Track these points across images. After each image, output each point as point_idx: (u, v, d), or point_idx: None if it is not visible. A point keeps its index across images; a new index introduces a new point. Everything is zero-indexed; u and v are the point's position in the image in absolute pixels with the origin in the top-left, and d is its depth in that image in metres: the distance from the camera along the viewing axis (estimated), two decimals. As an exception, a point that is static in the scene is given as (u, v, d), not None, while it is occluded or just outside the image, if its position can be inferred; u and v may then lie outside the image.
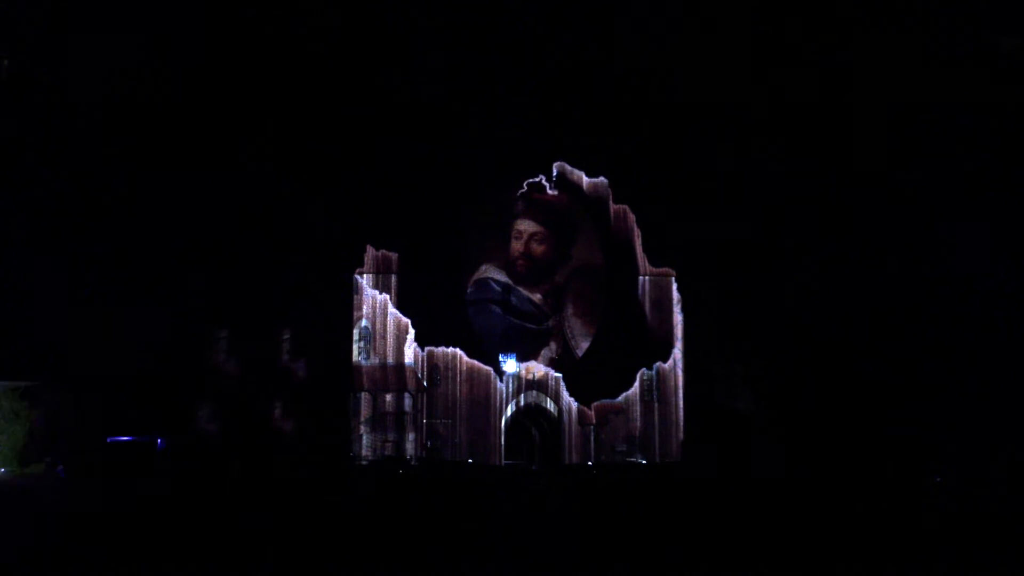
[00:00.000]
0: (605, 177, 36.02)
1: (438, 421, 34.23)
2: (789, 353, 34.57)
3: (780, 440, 33.60)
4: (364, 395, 34.65)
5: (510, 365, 35.06)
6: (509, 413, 35.69)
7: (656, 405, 34.90)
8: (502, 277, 35.65)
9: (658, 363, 35.30)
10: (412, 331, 35.04)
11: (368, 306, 35.20)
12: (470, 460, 33.50)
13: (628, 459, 32.79)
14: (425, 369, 34.80)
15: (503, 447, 35.03)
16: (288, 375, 34.70)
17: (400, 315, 35.08)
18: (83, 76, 34.13)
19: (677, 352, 35.29)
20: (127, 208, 35.70)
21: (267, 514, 21.35)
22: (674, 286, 35.63)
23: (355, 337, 35.31)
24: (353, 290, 35.29)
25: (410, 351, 34.96)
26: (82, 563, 14.68)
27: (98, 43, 34.11)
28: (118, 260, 35.15)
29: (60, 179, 33.80)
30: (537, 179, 35.84)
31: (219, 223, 35.35)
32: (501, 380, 34.85)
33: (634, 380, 35.12)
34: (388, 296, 35.16)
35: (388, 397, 34.49)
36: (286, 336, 35.32)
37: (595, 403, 34.71)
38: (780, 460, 33.02)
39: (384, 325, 35.15)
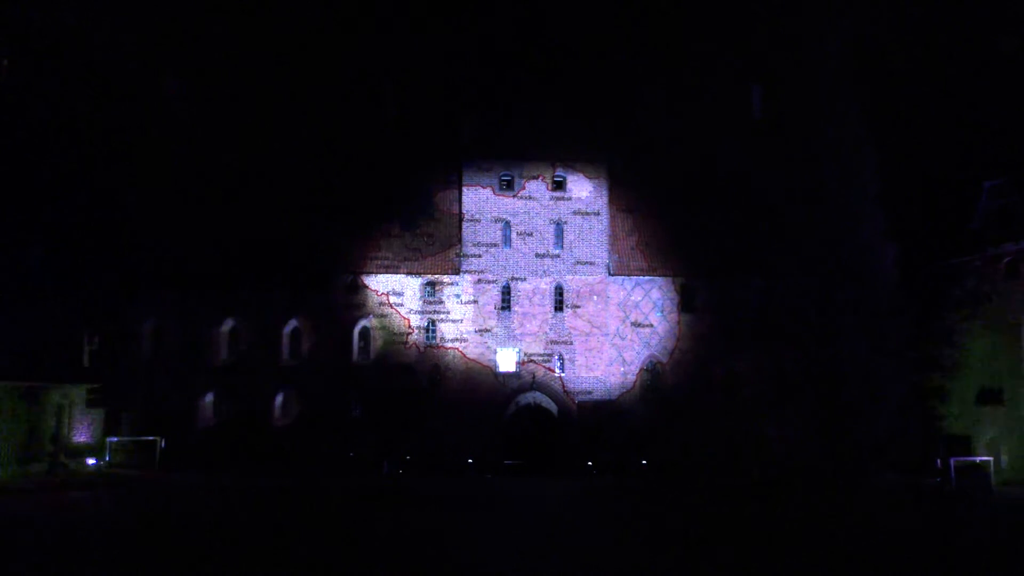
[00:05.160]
0: (605, 177, 35.95)
1: (439, 421, 34.20)
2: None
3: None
4: (364, 395, 34.65)
5: (510, 363, 35.10)
6: (509, 413, 35.69)
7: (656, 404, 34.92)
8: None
9: (658, 363, 35.31)
10: (413, 330, 35.06)
11: (369, 305, 35.21)
12: (470, 460, 33.49)
13: None
14: (426, 368, 34.84)
15: (503, 447, 35.02)
16: (288, 374, 34.69)
17: (401, 314, 35.10)
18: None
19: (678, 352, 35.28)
20: (126, 205, 35.72)
21: (267, 515, 21.34)
22: (674, 286, 35.59)
23: (355, 337, 35.32)
24: (354, 290, 35.28)
25: (411, 351, 34.98)
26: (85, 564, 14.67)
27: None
28: (115, 258, 35.16)
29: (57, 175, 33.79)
30: (537, 178, 35.80)
31: (218, 222, 35.35)
32: (501, 379, 34.89)
33: (635, 380, 35.12)
34: (388, 295, 35.15)
35: (389, 397, 34.45)
36: (286, 336, 35.33)
37: (594, 402, 34.73)
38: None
39: (384, 324, 35.15)
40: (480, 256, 35.33)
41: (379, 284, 35.33)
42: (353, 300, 35.25)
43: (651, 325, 35.42)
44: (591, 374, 35.04)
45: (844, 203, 35.57)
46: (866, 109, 35.14)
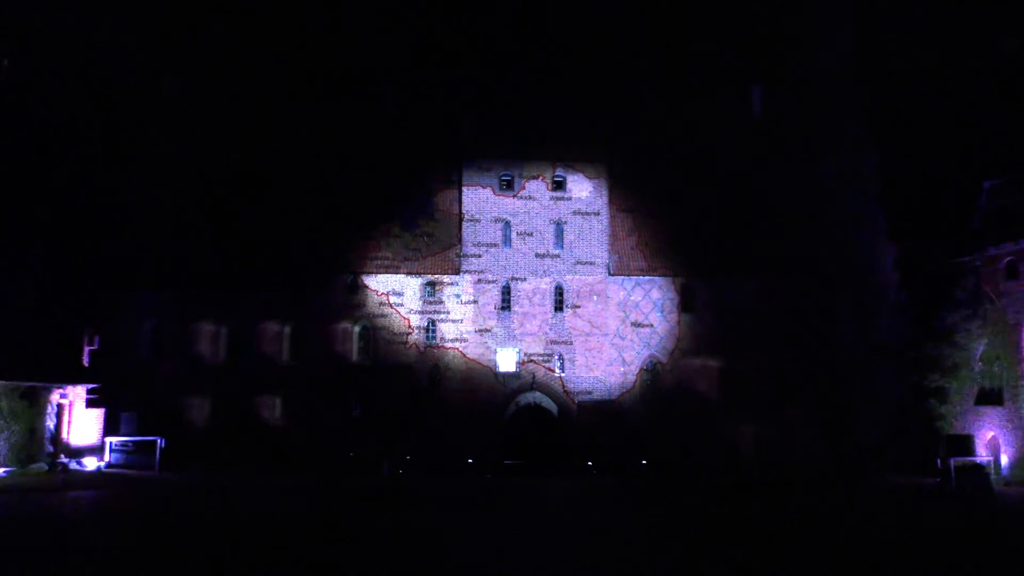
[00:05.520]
0: (605, 177, 35.96)
1: (439, 421, 34.19)
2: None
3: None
4: (364, 395, 34.64)
5: (510, 363, 35.09)
6: (509, 413, 35.70)
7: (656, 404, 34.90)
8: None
9: (658, 362, 35.29)
10: (413, 330, 35.05)
11: (369, 305, 35.22)
12: (470, 460, 33.50)
13: None
14: (426, 368, 34.84)
15: (503, 447, 35.02)
16: (288, 374, 34.68)
17: (401, 314, 35.11)
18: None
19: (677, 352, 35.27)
20: (126, 205, 35.72)
21: (267, 515, 21.34)
22: (674, 286, 35.59)
23: (355, 337, 35.32)
24: (354, 290, 35.29)
25: (411, 351, 34.98)
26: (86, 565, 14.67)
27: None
28: (115, 258, 35.16)
29: (58, 175, 33.80)
30: (537, 178, 35.81)
31: (218, 222, 35.36)
32: (501, 379, 34.88)
33: (635, 380, 35.11)
34: (388, 295, 35.17)
35: (389, 397, 34.46)
36: (286, 336, 35.32)
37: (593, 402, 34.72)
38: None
39: (384, 324, 35.15)
40: (480, 256, 35.36)
41: (379, 284, 35.35)
42: (353, 300, 35.27)
43: (651, 325, 35.42)
44: (591, 374, 35.05)
45: (844, 203, 35.57)
46: (866, 109, 35.13)
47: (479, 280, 35.28)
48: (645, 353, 35.33)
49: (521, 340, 35.12)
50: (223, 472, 31.20)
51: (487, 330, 35.11)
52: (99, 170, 34.88)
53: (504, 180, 35.88)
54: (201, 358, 34.84)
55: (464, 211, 35.59)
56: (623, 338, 35.32)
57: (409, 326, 35.13)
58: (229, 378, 34.67)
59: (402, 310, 35.19)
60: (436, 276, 35.40)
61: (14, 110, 32.42)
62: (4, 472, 28.82)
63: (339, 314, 35.13)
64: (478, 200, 35.62)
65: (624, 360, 35.19)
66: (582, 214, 35.69)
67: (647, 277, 35.69)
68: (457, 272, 35.36)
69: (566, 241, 35.59)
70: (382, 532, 18.62)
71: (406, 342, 35.07)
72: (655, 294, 35.61)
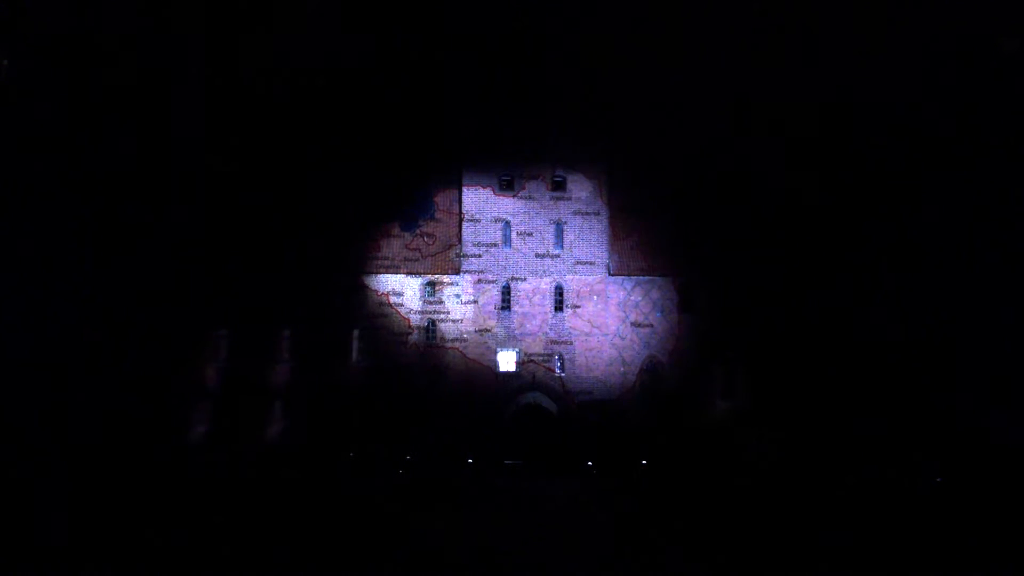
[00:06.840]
0: (605, 177, 35.94)
1: (439, 421, 34.20)
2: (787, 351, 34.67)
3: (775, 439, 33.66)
4: (365, 395, 34.65)
5: (510, 363, 35.10)
6: (509, 413, 35.70)
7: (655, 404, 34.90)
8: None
9: (658, 363, 35.28)
10: (413, 330, 35.06)
11: (369, 305, 35.23)
12: (470, 460, 33.51)
13: None
14: (426, 368, 34.85)
15: (503, 447, 35.02)
16: (288, 375, 34.68)
17: (401, 314, 35.12)
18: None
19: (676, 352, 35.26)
20: (126, 204, 35.71)
21: (266, 514, 21.38)
22: (674, 286, 35.58)
23: (355, 337, 35.31)
24: (353, 290, 35.29)
25: (411, 351, 34.97)
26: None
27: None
28: (115, 259, 35.16)
29: (59, 177, 33.80)
30: (537, 178, 35.80)
31: (218, 222, 35.37)
32: (501, 379, 34.88)
33: (635, 380, 35.11)
34: (388, 295, 35.18)
35: (389, 397, 34.47)
36: (286, 336, 35.32)
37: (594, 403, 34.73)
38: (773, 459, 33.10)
39: (384, 324, 35.16)
40: (480, 256, 35.36)
41: (379, 284, 35.36)
42: (353, 300, 35.27)
43: (651, 325, 35.42)
44: (591, 374, 35.04)
45: (843, 202, 35.56)
46: (863, 108, 35.15)
47: (479, 280, 35.29)
48: (645, 353, 35.32)
49: (521, 340, 35.12)
50: (223, 472, 31.19)
51: (487, 330, 35.11)
52: (98, 170, 34.85)
53: (504, 180, 35.86)
54: (201, 359, 34.80)
55: (464, 211, 35.59)
56: (623, 338, 35.32)
57: (409, 326, 35.14)
58: (229, 379, 34.65)
59: (402, 310, 35.20)
60: (436, 276, 35.42)
61: (14, 110, 32.41)
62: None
63: (339, 314, 35.12)
64: (478, 200, 35.62)
65: (624, 360, 35.19)
66: (582, 214, 35.68)
67: (647, 277, 35.69)
68: (457, 272, 35.37)
69: (566, 241, 35.58)
70: (383, 531, 18.64)
71: (406, 342, 35.07)
72: (655, 294, 35.61)
